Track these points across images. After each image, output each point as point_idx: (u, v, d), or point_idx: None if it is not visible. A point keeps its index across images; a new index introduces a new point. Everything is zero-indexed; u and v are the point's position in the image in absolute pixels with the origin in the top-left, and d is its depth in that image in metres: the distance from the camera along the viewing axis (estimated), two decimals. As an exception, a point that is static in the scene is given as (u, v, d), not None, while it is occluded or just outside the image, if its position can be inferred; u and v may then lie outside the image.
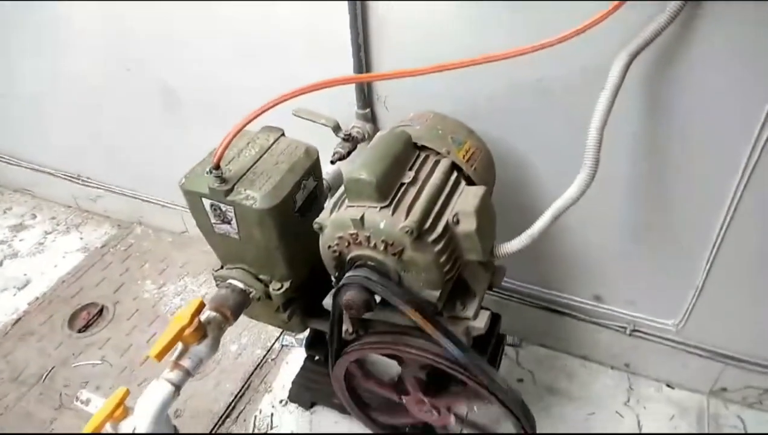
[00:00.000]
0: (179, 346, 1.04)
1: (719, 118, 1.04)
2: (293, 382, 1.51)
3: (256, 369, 1.59)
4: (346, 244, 0.95)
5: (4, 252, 2.07)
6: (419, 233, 0.89)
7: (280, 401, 1.53)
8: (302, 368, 1.48)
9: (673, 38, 0.95)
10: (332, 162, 1.26)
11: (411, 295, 0.93)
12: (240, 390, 1.54)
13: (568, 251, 1.38)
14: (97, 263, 1.96)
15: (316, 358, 1.42)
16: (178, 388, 1.02)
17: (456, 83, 1.16)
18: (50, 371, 1.62)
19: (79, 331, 1.74)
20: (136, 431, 1.02)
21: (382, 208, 0.91)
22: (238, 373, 1.57)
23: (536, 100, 1.13)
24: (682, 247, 1.25)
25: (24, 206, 2.28)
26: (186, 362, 1.03)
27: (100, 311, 1.79)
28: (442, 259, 0.92)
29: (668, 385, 1.51)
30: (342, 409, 1.45)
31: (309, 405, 1.50)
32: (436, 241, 0.91)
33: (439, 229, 0.91)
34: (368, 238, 0.92)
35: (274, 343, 1.66)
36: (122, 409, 1.09)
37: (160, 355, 0.99)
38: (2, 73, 1.92)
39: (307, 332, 1.64)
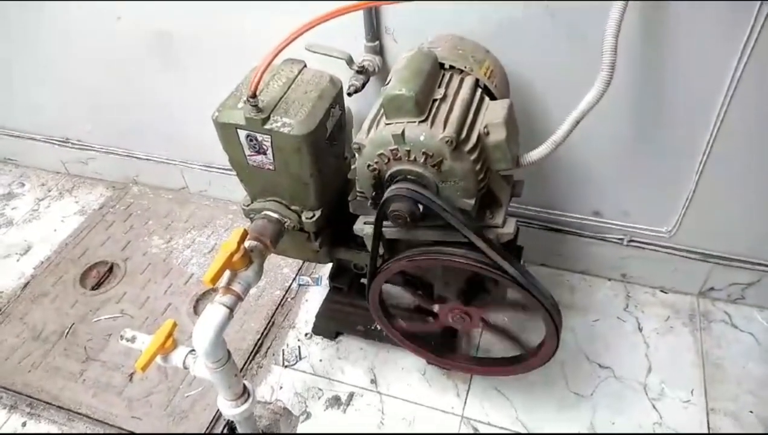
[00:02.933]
0: (227, 273, 1.09)
1: (708, 34, 1.13)
2: (317, 315, 1.58)
3: (277, 308, 1.65)
4: (386, 160, 1.00)
5: (-3, 221, 2.04)
6: (457, 143, 0.95)
7: (305, 335, 1.59)
8: (325, 300, 1.55)
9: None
10: (349, 94, 1.30)
11: (451, 204, 1.00)
12: (265, 328, 1.60)
13: (568, 170, 1.47)
14: (99, 224, 1.96)
15: (340, 288, 1.49)
16: (231, 310, 1.07)
17: (463, 10, 1.22)
18: (71, 328, 1.64)
19: (93, 289, 1.75)
20: (196, 353, 1.08)
21: (420, 122, 0.96)
22: (261, 313, 1.63)
23: (544, 21, 1.19)
24: (674, 157, 1.35)
25: (9, 175, 2.24)
26: (236, 287, 1.08)
27: (110, 269, 1.81)
28: (477, 167, 0.99)
29: (662, 290, 1.64)
30: (366, 336, 1.53)
31: (334, 335, 1.58)
32: (471, 150, 0.97)
33: (474, 138, 0.98)
34: (408, 153, 0.98)
35: (291, 284, 1.71)
36: (171, 341, 1.14)
37: (213, 280, 1.03)
38: None
39: (323, 271, 1.71)
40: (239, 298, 1.09)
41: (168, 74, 1.69)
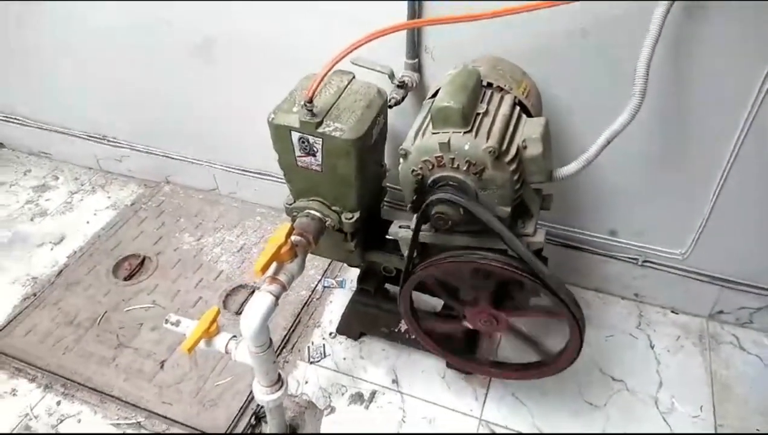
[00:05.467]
0: (274, 264, 1.16)
1: (730, 63, 1.21)
2: (342, 316, 1.64)
3: (303, 307, 1.71)
4: (430, 166, 1.08)
5: (32, 210, 2.11)
6: (499, 153, 1.03)
7: (330, 334, 1.66)
8: (351, 301, 1.62)
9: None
10: (389, 106, 1.38)
11: (491, 211, 1.08)
12: (291, 325, 1.66)
13: (587, 188, 1.55)
14: (131, 219, 2.04)
15: (367, 290, 1.56)
16: (276, 298, 1.14)
17: (499, 32, 1.30)
18: (103, 315, 1.71)
19: (125, 280, 1.82)
20: (240, 338, 1.15)
21: (465, 132, 1.04)
22: (288, 311, 1.70)
23: (578, 46, 1.28)
24: (691, 182, 1.43)
25: (43, 169, 2.32)
26: (282, 277, 1.15)
27: (142, 262, 1.88)
28: (515, 177, 1.07)
29: (673, 311, 1.71)
30: (389, 338, 1.60)
31: (357, 335, 1.64)
32: (511, 161, 1.05)
33: (513, 151, 1.06)
34: (452, 160, 1.05)
35: (316, 286, 1.78)
36: (215, 326, 1.21)
37: (263, 270, 1.11)
38: (19, 31, 1.95)
39: (347, 275, 1.79)
40: (284, 288, 1.16)
41: (207, 78, 1.78)
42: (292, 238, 1.20)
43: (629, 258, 1.64)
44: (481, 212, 1.05)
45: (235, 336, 1.22)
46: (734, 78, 1.22)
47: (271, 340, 1.18)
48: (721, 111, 1.28)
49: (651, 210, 1.53)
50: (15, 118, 2.26)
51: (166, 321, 1.25)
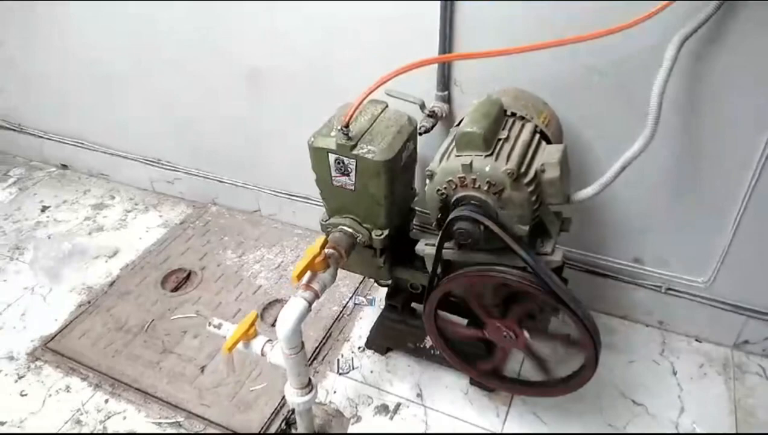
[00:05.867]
0: (308, 273, 1.27)
1: (745, 96, 1.27)
2: (371, 330, 1.73)
3: (334, 322, 1.81)
4: (454, 186, 1.18)
5: (90, 226, 2.29)
6: (517, 175, 1.12)
7: (359, 348, 1.74)
8: (380, 317, 1.70)
9: (714, 27, 1.20)
10: (420, 134, 1.49)
11: (509, 229, 1.16)
12: (323, 338, 1.75)
13: (611, 216, 1.61)
14: (180, 236, 2.19)
15: (395, 306, 1.64)
16: (310, 304, 1.24)
17: (522, 66, 1.41)
18: (150, 323, 1.84)
19: (172, 291, 1.96)
20: (278, 336, 1.24)
21: (486, 156, 1.14)
22: (320, 325, 1.79)
23: (594, 79, 1.37)
24: (712, 210, 1.47)
25: (101, 189, 2.51)
26: (315, 285, 1.25)
27: (188, 275, 2.01)
28: (533, 198, 1.15)
29: (697, 339, 1.73)
30: (414, 353, 1.67)
31: (384, 350, 1.72)
32: (529, 183, 1.14)
33: (531, 174, 1.15)
34: (474, 181, 1.15)
35: (347, 302, 1.88)
36: (253, 330, 1.32)
37: (299, 276, 1.21)
38: (82, 58, 2.16)
39: (377, 293, 1.87)
40: (317, 296, 1.26)
41: (253, 106, 1.93)
42: (326, 250, 1.31)
43: (653, 285, 1.68)
44: (496, 228, 1.13)
45: (270, 340, 1.32)
46: (751, 108, 1.28)
47: (303, 343, 1.27)
48: (738, 140, 1.34)
49: (673, 238, 1.58)
50: (81, 143, 2.47)
51: (209, 324, 1.37)
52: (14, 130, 2.62)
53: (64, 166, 2.64)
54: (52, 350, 1.77)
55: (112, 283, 2.00)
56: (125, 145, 2.38)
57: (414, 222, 1.67)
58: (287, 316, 1.21)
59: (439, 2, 1.42)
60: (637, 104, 1.24)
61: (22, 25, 2.21)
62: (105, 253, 2.14)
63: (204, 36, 1.85)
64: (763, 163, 1.34)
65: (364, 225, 1.39)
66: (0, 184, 2.56)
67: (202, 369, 1.69)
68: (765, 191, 1.38)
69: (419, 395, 1.61)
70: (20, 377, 1.70)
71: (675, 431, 1.49)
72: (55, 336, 1.82)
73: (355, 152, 1.25)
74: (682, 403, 1.55)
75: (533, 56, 1.21)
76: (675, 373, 1.64)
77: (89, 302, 1.93)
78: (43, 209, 2.40)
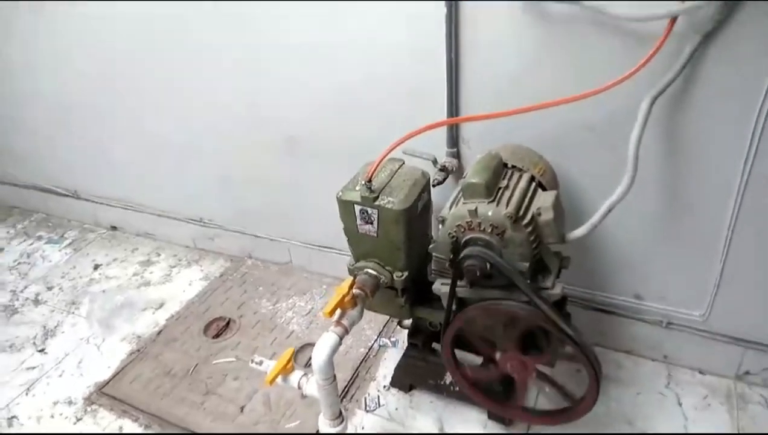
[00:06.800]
0: (338, 311, 1.45)
1: (720, 139, 1.43)
2: (395, 369, 1.87)
3: (361, 363, 1.96)
4: (462, 229, 1.36)
5: (138, 281, 2.52)
6: (516, 218, 1.31)
7: (384, 386, 1.88)
8: (403, 356, 1.85)
9: (683, 84, 1.40)
10: (433, 186, 1.69)
11: (511, 265, 1.34)
12: (351, 378, 1.90)
13: (610, 255, 1.75)
14: (219, 288, 2.40)
15: (416, 344, 1.79)
16: (340, 338, 1.41)
17: (521, 126, 1.61)
18: (194, 367, 2.02)
19: (213, 338, 2.14)
20: (313, 367, 1.41)
21: (489, 202, 1.33)
22: (348, 365, 1.95)
23: (583, 134, 1.56)
24: (701, 244, 1.60)
25: (148, 247, 2.76)
26: (345, 322, 1.43)
27: (227, 323, 2.20)
28: (531, 238, 1.33)
29: (700, 372, 1.83)
30: (436, 390, 1.81)
31: (408, 388, 1.86)
32: (527, 225, 1.32)
33: (528, 216, 1.33)
34: (479, 224, 1.33)
35: (372, 344, 2.03)
36: (291, 365, 1.49)
37: (330, 313, 1.40)
38: (141, 132, 2.45)
39: (400, 335, 2.03)
40: (346, 331, 1.43)
41: (287, 168, 2.17)
42: (354, 290, 1.49)
43: (654, 320, 1.81)
44: (500, 263, 1.31)
45: (306, 374, 1.49)
46: (725, 146, 1.44)
47: (335, 376, 1.44)
48: (715, 182, 1.49)
49: (669, 274, 1.72)
50: (130, 206, 2.74)
51: (252, 361, 1.55)
52: (71, 196, 2.91)
53: (114, 228, 2.91)
54: (106, 395, 1.96)
55: (159, 332, 2.20)
56: (171, 207, 2.64)
57: (432, 267, 1.85)
58: (321, 349, 1.38)
59: (445, 78, 1.65)
60: (621, 154, 1.43)
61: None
62: (152, 306, 2.35)
63: (249, 107, 2.10)
64: (740, 204, 1.50)
65: (387, 268, 1.57)
66: (56, 245, 2.84)
67: (242, 408, 1.84)
68: (744, 230, 1.52)
69: (441, 429, 1.73)
70: (78, 419, 1.88)
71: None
72: (109, 382, 2.00)
73: (377, 203, 1.45)
74: (687, 431, 1.65)
75: (528, 116, 1.42)
76: (680, 404, 1.73)
77: (139, 350, 2.13)
78: (96, 267, 2.64)
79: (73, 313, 2.36)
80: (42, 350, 2.18)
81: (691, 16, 1.29)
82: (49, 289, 2.53)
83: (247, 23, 1.90)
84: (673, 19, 1.28)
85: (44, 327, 2.29)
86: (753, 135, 1.39)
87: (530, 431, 1.70)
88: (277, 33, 1.87)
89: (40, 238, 2.95)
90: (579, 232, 1.40)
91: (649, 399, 1.76)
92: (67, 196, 2.94)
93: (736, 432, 1.59)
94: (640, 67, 1.31)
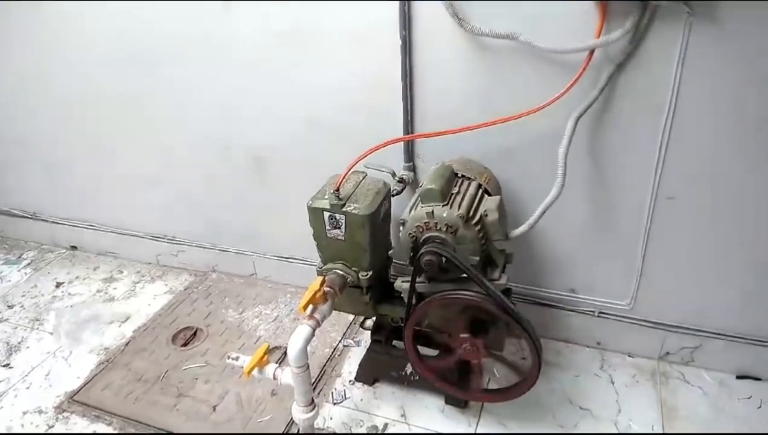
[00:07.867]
0: (310, 307, 1.60)
1: (634, 148, 1.70)
2: (360, 364, 2.03)
3: (327, 362, 2.11)
4: (421, 230, 1.56)
5: (103, 297, 2.57)
6: (467, 218, 1.51)
7: (349, 381, 2.03)
8: (367, 352, 2.02)
9: (603, 104, 1.66)
10: (393, 195, 1.88)
11: (465, 259, 1.54)
12: (318, 375, 2.04)
13: (547, 254, 1.99)
14: (185, 301, 2.49)
15: (379, 340, 1.96)
16: (313, 330, 1.56)
17: (469, 141, 1.83)
18: (165, 373, 2.10)
19: (182, 346, 2.23)
20: (289, 356, 1.55)
21: (443, 205, 1.54)
22: (314, 364, 2.07)
23: (521, 148, 1.80)
24: (624, 240, 1.86)
25: (110, 265, 2.81)
26: (317, 315, 1.59)
27: (195, 332, 2.30)
28: (480, 235, 1.54)
29: (629, 355, 2.08)
30: (398, 381, 1.97)
31: (372, 381, 2.02)
32: (476, 224, 1.53)
33: (477, 217, 1.54)
34: (436, 224, 1.53)
35: (337, 344, 2.18)
36: (265, 359, 1.63)
37: (304, 308, 1.55)
38: (102, 152, 2.54)
39: (362, 336, 2.19)
40: (318, 324, 1.59)
41: (253, 187, 2.31)
42: (324, 287, 1.65)
43: (587, 311, 2.06)
44: (454, 257, 1.51)
45: (280, 366, 1.63)
46: (639, 154, 1.70)
47: (308, 365, 1.58)
48: (634, 183, 1.75)
49: (597, 268, 1.97)
50: (91, 225, 2.79)
51: (228, 357, 1.67)
52: (29, 217, 2.93)
53: (74, 247, 2.94)
54: (78, 402, 2.01)
55: (127, 343, 2.27)
56: (134, 226, 2.71)
57: (391, 271, 2.03)
58: (297, 339, 1.53)
59: (401, 100, 1.86)
60: (552, 164, 1.66)
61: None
62: (118, 319, 2.42)
63: (217, 130, 2.25)
64: (654, 204, 1.77)
65: (353, 268, 1.75)
66: (15, 266, 2.84)
67: (214, 408, 1.95)
68: (660, 227, 1.80)
69: (403, 415, 1.90)
70: (50, 427, 1.93)
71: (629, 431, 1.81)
72: (80, 390, 2.06)
73: (344, 209, 1.63)
74: (619, 405, 1.89)
75: (475, 133, 1.65)
76: (613, 383, 1.98)
77: (108, 360, 2.19)
78: (58, 285, 2.67)
79: (37, 329, 2.39)
80: (7, 365, 2.20)
81: (605, 49, 1.56)
82: (10, 307, 2.54)
83: (219, 54, 2.06)
84: (591, 52, 1.54)
85: (7, 343, 2.31)
86: (660, 145, 1.67)
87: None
88: (248, 64, 2.05)
89: (-5, 259, 2.95)
90: (520, 230, 1.63)
91: (586, 380, 1.99)
92: (24, 217, 2.95)
93: (745, 432, 1.82)
94: (565, 92, 1.57)
